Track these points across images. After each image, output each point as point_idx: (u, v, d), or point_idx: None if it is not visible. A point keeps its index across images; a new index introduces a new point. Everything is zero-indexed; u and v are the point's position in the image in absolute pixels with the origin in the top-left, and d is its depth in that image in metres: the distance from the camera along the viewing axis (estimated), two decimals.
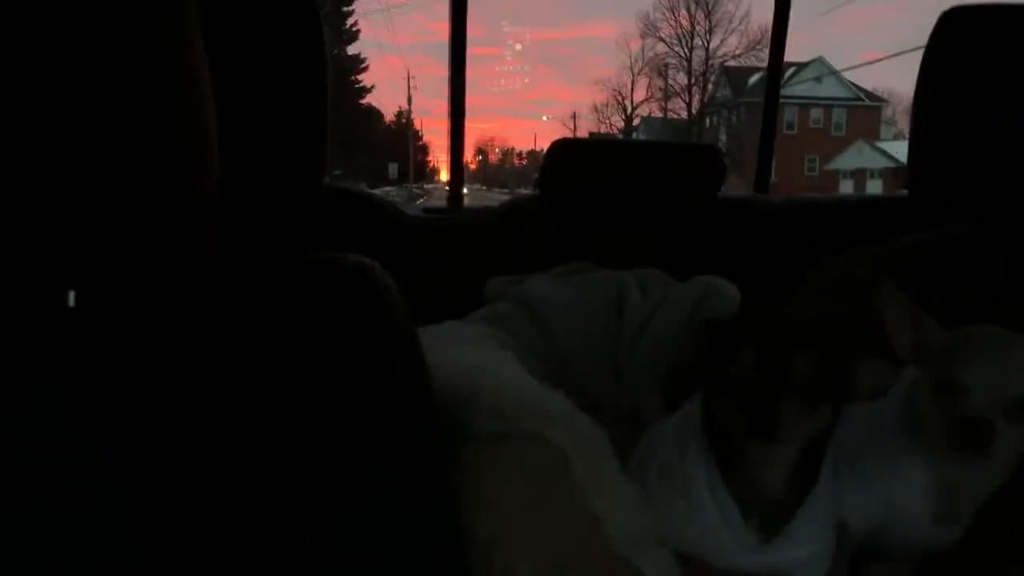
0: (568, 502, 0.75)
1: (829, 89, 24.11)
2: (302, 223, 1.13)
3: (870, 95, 25.13)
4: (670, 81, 23.04)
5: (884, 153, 21.78)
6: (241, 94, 0.79)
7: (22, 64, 0.47)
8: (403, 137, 26.34)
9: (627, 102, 24.83)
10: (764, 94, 1.76)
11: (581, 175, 1.38)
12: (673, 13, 21.82)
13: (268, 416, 0.52)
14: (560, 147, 1.41)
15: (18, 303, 0.51)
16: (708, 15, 21.87)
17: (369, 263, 0.60)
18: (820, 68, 23.12)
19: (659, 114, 24.63)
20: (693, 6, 21.62)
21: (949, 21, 1.12)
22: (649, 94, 24.03)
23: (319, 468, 0.50)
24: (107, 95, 0.49)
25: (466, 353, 0.89)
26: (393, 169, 24.04)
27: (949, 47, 1.13)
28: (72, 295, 0.51)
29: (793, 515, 0.74)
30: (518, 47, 43.89)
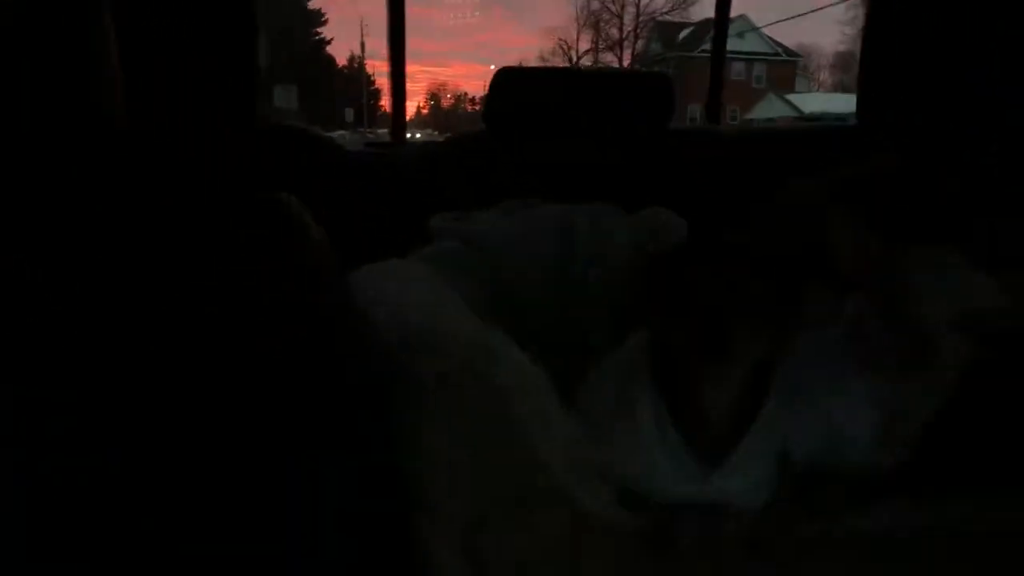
0: (508, 440, 0.69)
1: (751, 44, 24.21)
2: (233, 159, 1.00)
3: (788, 50, 25.27)
4: (606, 35, 23.32)
5: (790, 104, 22.17)
6: (155, 20, 0.67)
7: None
8: (356, 82, 25.52)
9: (572, 51, 24.85)
10: (712, 37, 1.68)
11: (527, 104, 1.25)
12: None
13: (182, 376, 0.44)
14: (505, 76, 1.27)
15: None
16: None
17: (285, 198, 0.52)
18: (743, 24, 23.04)
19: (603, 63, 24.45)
20: None
21: None
22: (592, 45, 24.40)
23: (253, 416, 0.45)
24: None
25: (408, 293, 0.80)
26: (349, 114, 23.76)
27: None
28: None
29: (735, 443, 0.68)
30: None
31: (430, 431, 0.67)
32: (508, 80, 1.28)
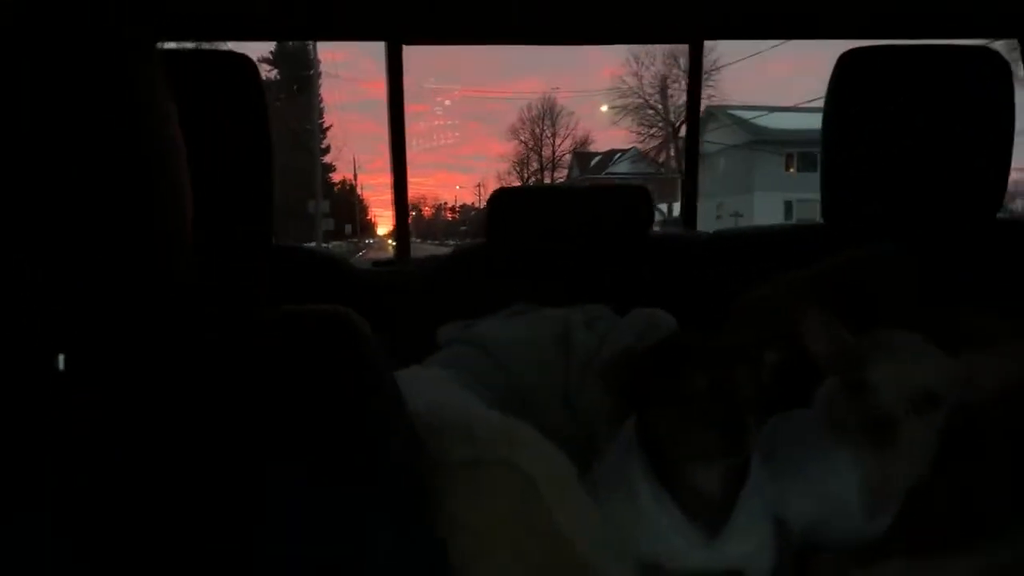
0: (538, 522, 0.59)
1: (640, 167, 25.52)
2: (255, 281, 0.90)
3: (669, 169, 26.77)
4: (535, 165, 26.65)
5: (660, 211, 23.64)
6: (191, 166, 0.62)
7: (7, 134, 0.36)
8: (348, 200, 26.57)
9: (524, 172, 27.22)
10: (684, 157, 1.56)
11: (521, 220, 1.13)
12: (528, 125, 26.26)
13: (261, 457, 0.40)
14: (500, 196, 1.17)
15: (10, 368, 0.39)
16: (553, 124, 26.09)
17: (344, 310, 0.46)
18: (635, 153, 24.61)
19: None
20: (547, 122, 25.93)
21: (847, 61, 0.97)
22: (536, 167, 27.08)
23: (317, 497, 0.40)
24: (89, 164, 0.38)
25: (430, 391, 0.71)
26: (348, 228, 24.68)
27: (848, 85, 0.97)
28: (62, 358, 0.39)
29: (730, 511, 0.60)
30: (447, 103, 36.94)
31: (465, 513, 0.58)
32: (504, 198, 1.18)
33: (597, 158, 25.63)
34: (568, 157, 25.95)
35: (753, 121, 15.36)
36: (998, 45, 1.07)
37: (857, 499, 0.60)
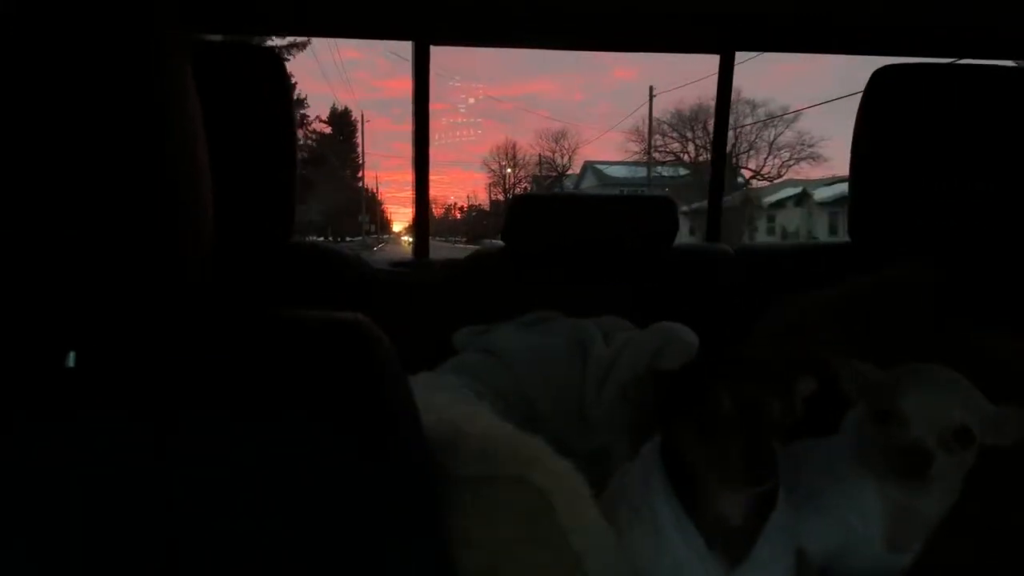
0: (550, 541, 0.54)
1: (590, 182, 26.93)
2: (273, 279, 0.83)
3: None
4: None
5: None
6: (215, 161, 0.55)
7: (25, 130, 0.33)
8: (371, 201, 28.59)
9: (507, 185, 30.08)
10: (710, 168, 1.39)
11: (541, 227, 1.03)
12: (495, 158, 29.67)
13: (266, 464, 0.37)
14: (521, 202, 1.07)
15: (21, 364, 0.36)
16: (514, 158, 29.17)
17: (361, 318, 0.43)
18: (591, 172, 26.13)
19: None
20: (507, 156, 29.31)
21: (880, 78, 0.87)
22: (514, 182, 30.35)
23: (327, 506, 0.37)
24: (110, 159, 0.34)
25: (445, 402, 0.64)
26: (372, 227, 27.24)
27: (881, 102, 0.87)
28: (72, 356, 0.36)
29: (754, 541, 0.54)
30: (471, 100, 34.94)
31: (477, 529, 0.50)
32: (524, 205, 1.07)
33: (550, 180, 28.98)
34: (530, 179, 29.19)
35: (604, 171, 22.75)
36: None
37: (879, 532, 0.54)
